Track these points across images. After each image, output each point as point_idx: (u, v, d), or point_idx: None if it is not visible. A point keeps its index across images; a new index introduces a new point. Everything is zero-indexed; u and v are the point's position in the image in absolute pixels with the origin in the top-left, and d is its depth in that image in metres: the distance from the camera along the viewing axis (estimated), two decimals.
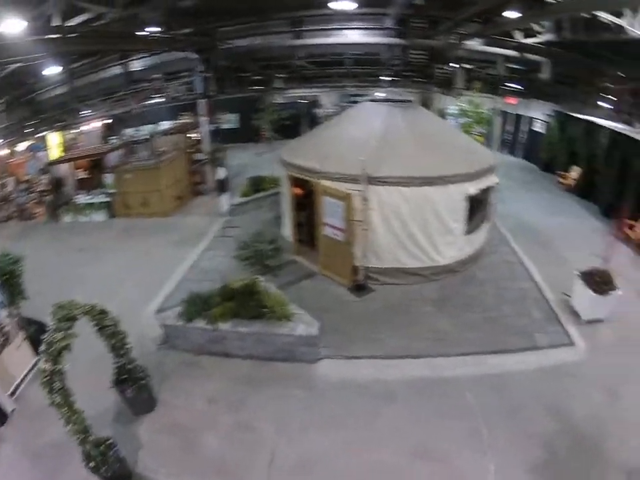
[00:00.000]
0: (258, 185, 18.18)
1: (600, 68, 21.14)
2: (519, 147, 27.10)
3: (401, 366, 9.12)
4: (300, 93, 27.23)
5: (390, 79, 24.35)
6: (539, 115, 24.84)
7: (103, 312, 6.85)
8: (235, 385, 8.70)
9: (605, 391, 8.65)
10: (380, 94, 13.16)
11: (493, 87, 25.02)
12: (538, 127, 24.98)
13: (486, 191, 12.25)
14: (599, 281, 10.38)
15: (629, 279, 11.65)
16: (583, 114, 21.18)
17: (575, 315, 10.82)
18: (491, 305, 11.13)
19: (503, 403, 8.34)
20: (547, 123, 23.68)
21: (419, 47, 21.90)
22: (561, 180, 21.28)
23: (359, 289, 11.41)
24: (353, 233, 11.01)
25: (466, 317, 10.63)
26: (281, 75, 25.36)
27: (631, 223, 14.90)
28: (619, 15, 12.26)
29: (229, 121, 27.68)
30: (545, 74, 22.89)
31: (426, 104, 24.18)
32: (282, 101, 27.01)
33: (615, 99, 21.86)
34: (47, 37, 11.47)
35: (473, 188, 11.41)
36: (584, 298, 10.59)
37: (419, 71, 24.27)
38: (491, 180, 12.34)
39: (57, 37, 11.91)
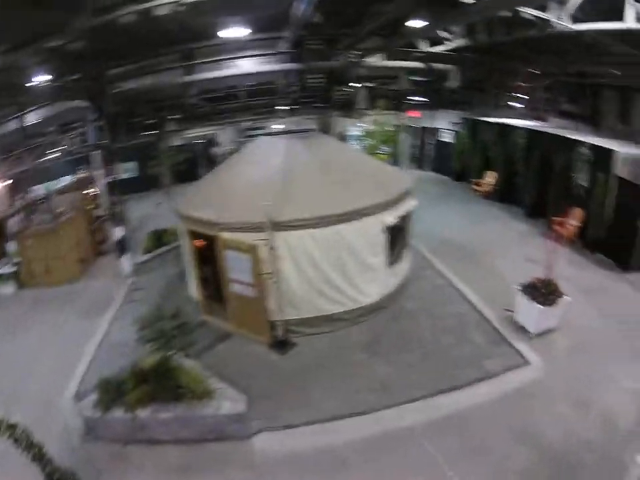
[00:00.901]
0: (160, 238, 16.97)
1: (514, 68, 21.15)
2: (428, 160, 26.93)
3: (345, 427, 8.13)
4: (196, 133, 25.86)
5: (288, 107, 23.50)
6: (446, 125, 24.81)
7: (11, 426, 5.94)
8: (169, 475, 7.61)
9: (572, 403, 8.29)
10: (278, 125, 12.13)
11: (397, 102, 24.63)
12: (447, 138, 24.88)
13: (405, 217, 11.46)
14: (545, 292, 9.87)
15: (569, 279, 11.33)
16: (495, 117, 21.18)
17: (521, 330, 10.29)
18: (428, 339, 10.30)
19: (467, 443, 7.62)
20: (456, 131, 23.53)
21: (316, 70, 21.01)
22: (476, 187, 21.08)
23: (281, 345, 10.20)
24: (263, 287, 9.82)
25: (404, 358, 9.74)
26: (175, 116, 23.97)
27: (560, 220, 14.71)
28: (543, 8, 11.77)
29: (128, 170, 26.04)
30: (453, 82, 22.54)
31: (325, 129, 23.50)
32: (178, 144, 25.52)
33: (528, 97, 22.06)
34: None
35: (391, 217, 10.53)
36: (531, 312, 10.06)
37: (318, 96, 23.46)
38: (409, 204, 11.56)
39: None
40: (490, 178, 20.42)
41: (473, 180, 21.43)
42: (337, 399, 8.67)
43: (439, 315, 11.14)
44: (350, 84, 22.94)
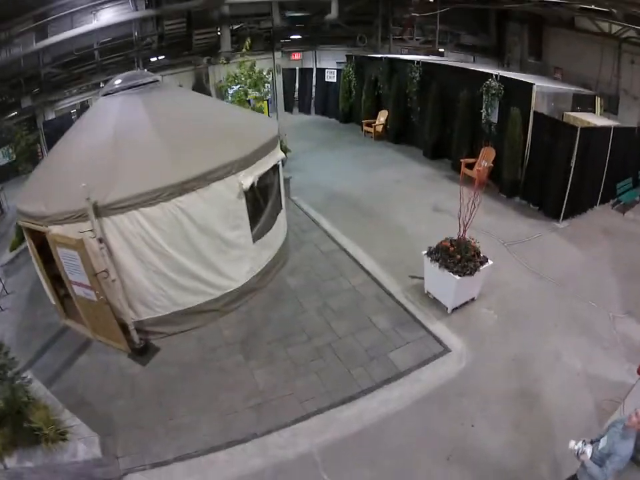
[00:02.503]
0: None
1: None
2: (312, 103, 25.49)
3: (223, 460, 6.46)
4: (70, 103, 23.00)
5: (145, 60, 21.09)
6: (331, 64, 23.56)
7: None
8: None
9: (511, 398, 6.87)
10: (118, 81, 9.92)
11: (270, 42, 22.54)
12: (331, 77, 23.49)
13: (271, 174, 9.66)
14: (461, 258, 8.20)
15: (489, 231, 10.42)
16: (384, 52, 19.89)
17: (434, 304, 8.77)
18: (318, 327, 8.67)
19: (383, 471, 6.03)
20: (341, 70, 22.11)
21: (174, 15, 18.68)
22: (368, 129, 19.72)
23: (141, 352, 8.39)
24: (102, 288, 7.85)
25: (290, 356, 8.07)
26: (33, 90, 21.01)
27: (468, 162, 13.76)
28: None
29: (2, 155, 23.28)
30: (332, 14, 20.63)
31: (201, 81, 21.33)
32: (51, 117, 22.64)
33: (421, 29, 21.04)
34: None
35: (249, 177, 8.65)
36: (445, 283, 8.43)
37: (179, 44, 21.09)
38: (274, 157, 9.76)
39: None
40: (382, 117, 19.09)
41: (364, 121, 19.99)
42: (210, 422, 7.04)
43: (330, 292, 9.57)
44: (214, 26, 20.71)
